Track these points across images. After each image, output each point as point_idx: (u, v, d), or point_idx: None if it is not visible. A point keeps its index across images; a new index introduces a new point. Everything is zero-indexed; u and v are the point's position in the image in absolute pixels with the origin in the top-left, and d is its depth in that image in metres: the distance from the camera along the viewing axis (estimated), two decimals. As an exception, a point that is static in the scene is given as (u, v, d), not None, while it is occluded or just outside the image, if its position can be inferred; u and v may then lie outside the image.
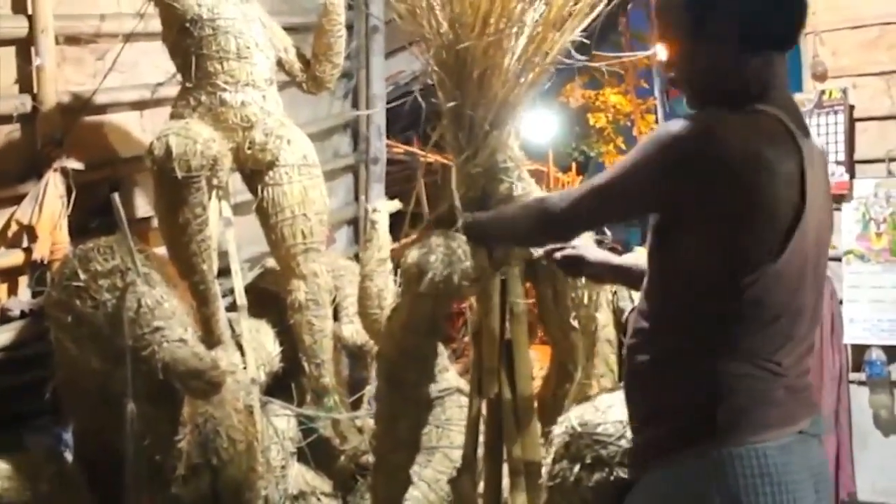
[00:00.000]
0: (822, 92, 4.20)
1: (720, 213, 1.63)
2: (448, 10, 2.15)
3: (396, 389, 2.27)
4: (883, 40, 4.13)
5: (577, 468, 2.24)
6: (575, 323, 2.68)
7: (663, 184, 1.68)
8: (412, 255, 2.19)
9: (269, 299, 3.64)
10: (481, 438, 2.55)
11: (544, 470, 2.38)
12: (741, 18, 1.68)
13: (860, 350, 4.21)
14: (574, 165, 10.11)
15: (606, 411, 2.27)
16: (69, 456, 3.03)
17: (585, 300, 2.67)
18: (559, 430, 2.33)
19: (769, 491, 1.64)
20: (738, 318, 1.68)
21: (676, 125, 1.67)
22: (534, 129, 6.84)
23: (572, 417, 2.32)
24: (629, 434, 1.97)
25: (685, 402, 1.73)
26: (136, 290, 2.45)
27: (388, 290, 3.35)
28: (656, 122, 7.40)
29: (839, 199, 4.20)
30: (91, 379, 2.55)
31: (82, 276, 2.47)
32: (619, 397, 2.11)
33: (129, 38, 3.55)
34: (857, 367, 4.22)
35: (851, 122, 4.17)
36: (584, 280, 2.68)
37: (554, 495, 2.28)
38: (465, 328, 5.16)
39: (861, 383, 4.22)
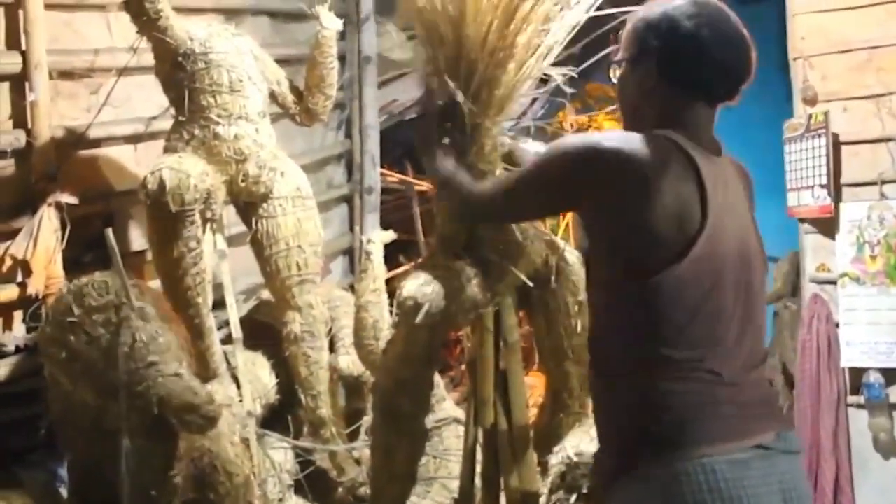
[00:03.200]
0: (810, 116, 4.22)
1: (613, 224, 1.77)
2: (458, 31, 2.27)
3: (392, 421, 2.27)
4: (871, 64, 4.15)
5: (573, 498, 2.24)
6: (569, 352, 2.68)
7: (560, 189, 1.88)
8: (408, 287, 2.20)
9: (264, 331, 3.64)
10: (478, 469, 2.55)
11: (542, 500, 2.38)
12: (673, 65, 1.83)
13: (858, 373, 4.20)
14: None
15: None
16: (64, 492, 3.02)
17: (578, 329, 2.67)
18: (555, 459, 2.34)
19: None
20: (651, 327, 1.72)
21: (575, 138, 1.91)
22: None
23: (568, 447, 2.32)
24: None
25: (626, 424, 1.77)
26: (130, 324, 2.45)
27: (383, 320, 3.36)
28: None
29: (825, 222, 4.21)
30: (85, 414, 2.55)
31: (76, 312, 2.47)
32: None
33: (123, 72, 3.57)
34: (856, 391, 4.21)
35: (836, 146, 4.19)
36: (576, 309, 2.70)
37: (551, 525, 2.28)
38: (463, 356, 5.16)
39: (860, 406, 4.21)
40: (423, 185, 6.96)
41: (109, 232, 2.45)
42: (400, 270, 4.50)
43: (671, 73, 1.83)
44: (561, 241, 2.73)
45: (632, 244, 1.73)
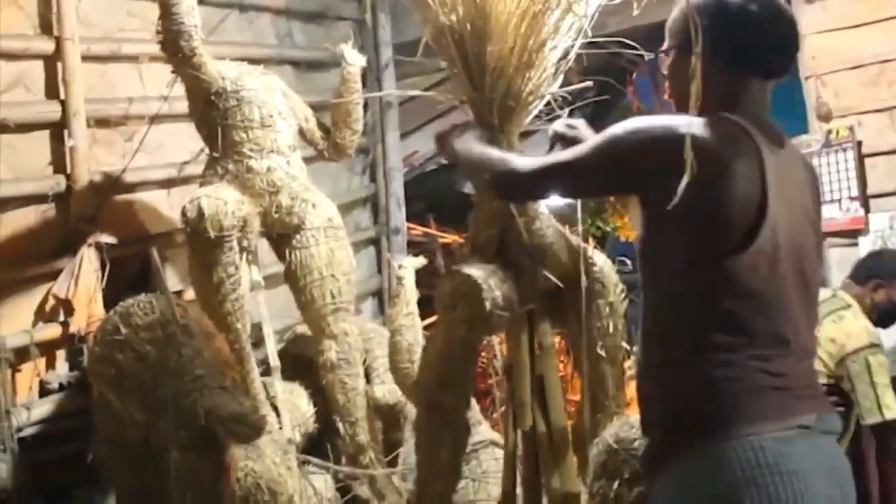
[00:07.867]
0: (829, 132, 4.30)
1: (678, 206, 1.70)
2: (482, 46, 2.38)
3: (436, 416, 2.32)
4: (883, 77, 4.24)
5: (616, 484, 2.26)
6: (602, 352, 2.72)
7: (628, 170, 1.84)
8: (446, 285, 2.28)
9: (300, 363, 3.70)
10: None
11: (583, 492, 2.41)
12: (726, 42, 1.83)
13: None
14: (591, 241, 10.07)
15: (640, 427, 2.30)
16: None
17: (611, 329, 2.71)
18: (596, 449, 2.37)
19: (769, 482, 1.65)
20: (711, 314, 1.74)
21: (645, 120, 1.83)
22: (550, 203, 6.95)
23: (608, 436, 2.36)
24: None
25: (677, 404, 1.79)
26: (176, 340, 2.52)
27: (417, 344, 3.41)
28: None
29: (856, 233, 4.26)
30: (134, 432, 2.61)
31: (123, 331, 2.55)
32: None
33: (155, 120, 3.71)
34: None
35: (861, 158, 4.26)
36: (608, 310, 2.75)
37: (595, 513, 2.30)
38: (493, 406, 5.17)
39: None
40: (447, 238, 7.05)
41: (154, 252, 2.54)
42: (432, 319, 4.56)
43: (725, 50, 1.83)
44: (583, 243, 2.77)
45: (701, 231, 1.74)
